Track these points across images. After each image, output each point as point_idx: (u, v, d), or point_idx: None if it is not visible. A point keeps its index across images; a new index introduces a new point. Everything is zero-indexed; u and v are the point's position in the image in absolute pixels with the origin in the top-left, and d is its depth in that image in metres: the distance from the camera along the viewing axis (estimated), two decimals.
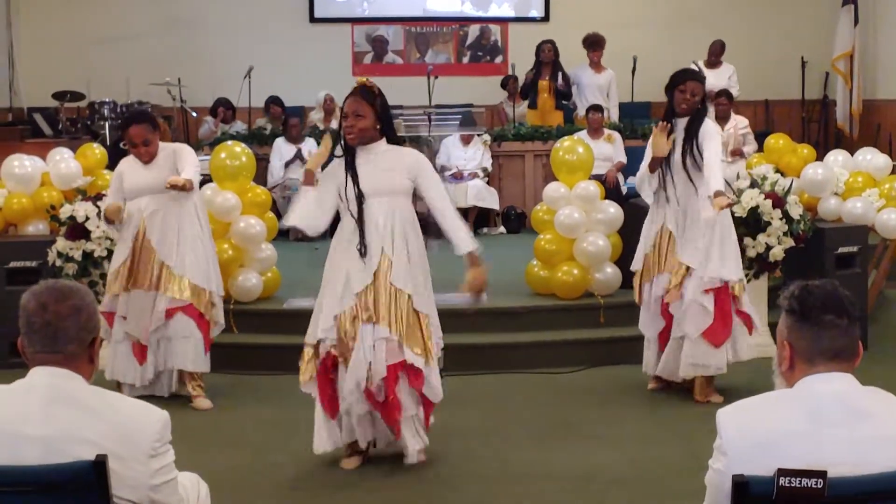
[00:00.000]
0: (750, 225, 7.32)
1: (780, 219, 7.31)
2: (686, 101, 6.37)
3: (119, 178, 6.64)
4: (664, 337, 6.55)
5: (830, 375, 2.61)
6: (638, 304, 6.69)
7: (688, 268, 6.35)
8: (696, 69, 12.13)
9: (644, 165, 6.50)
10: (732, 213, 6.99)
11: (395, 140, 5.49)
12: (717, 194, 6.12)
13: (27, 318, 2.77)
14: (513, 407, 6.55)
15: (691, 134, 6.37)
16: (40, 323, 2.76)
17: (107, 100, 12.77)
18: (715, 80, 12.39)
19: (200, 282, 6.57)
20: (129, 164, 6.65)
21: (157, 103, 13.21)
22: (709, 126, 6.51)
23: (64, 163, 8.09)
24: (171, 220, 6.53)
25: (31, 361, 2.79)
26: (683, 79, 6.44)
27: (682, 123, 6.43)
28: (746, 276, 7.44)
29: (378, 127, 5.33)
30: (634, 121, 12.28)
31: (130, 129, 6.49)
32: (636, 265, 6.67)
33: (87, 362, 2.83)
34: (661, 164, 6.37)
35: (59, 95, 12.86)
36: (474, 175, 11.66)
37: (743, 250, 7.31)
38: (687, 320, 6.37)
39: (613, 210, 7.92)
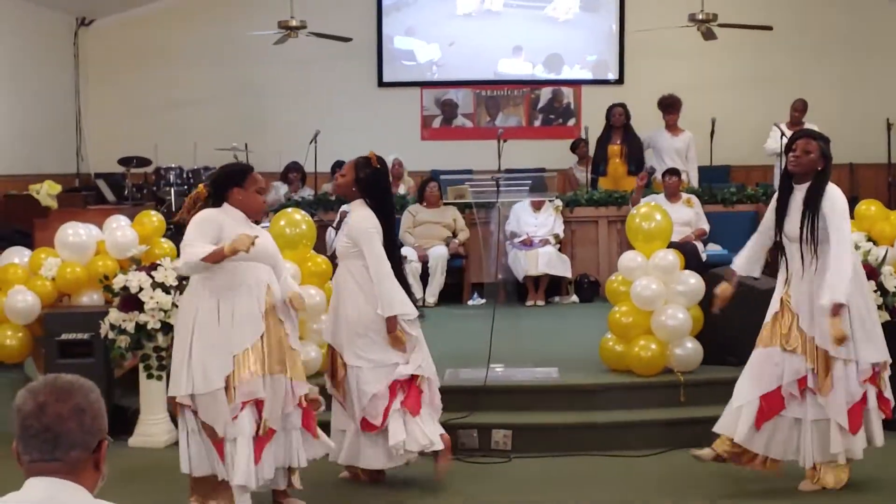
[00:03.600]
0: None
1: (875, 291, 6.81)
2: (795, 158, 5.74)
3: (218, 228, 5.43)
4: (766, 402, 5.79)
5: None
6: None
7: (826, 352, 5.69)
8: (780, 132, 11.72)
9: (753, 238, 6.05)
10: None
11: (372, 203, 6.06)
12: (836, 310, 5.54)
13: (22, 420, 2.40)
14: (589, 495, 6.05)
15: (810, 204, 5.71)
16: (38, 427, 2.39)
17: (173, 165, 12.65)
18: None
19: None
20: (229, 218, 5.51)
21: None
22: (835, 198, 5.74)
23: (120, 231, 7.84)
24: (279, 294, 5.64)
25: (28, 471, 2.41)
26: (794, 138, 5.91)
27: (800, 191, 5.78)
28: None
29: (355, 188, 6.08)
30: (713, 185, 11.81)
31: (255, 172, 5.66)
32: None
33: (91, 470, 2.45)
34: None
35: (125, 161, 12.76)
36: (545, 242, 11.24)
37: None
38: (837, 408, 5.70)
39: (694, 281, 7.43)
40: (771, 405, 5.76)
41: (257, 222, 5.81)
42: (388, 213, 6.16)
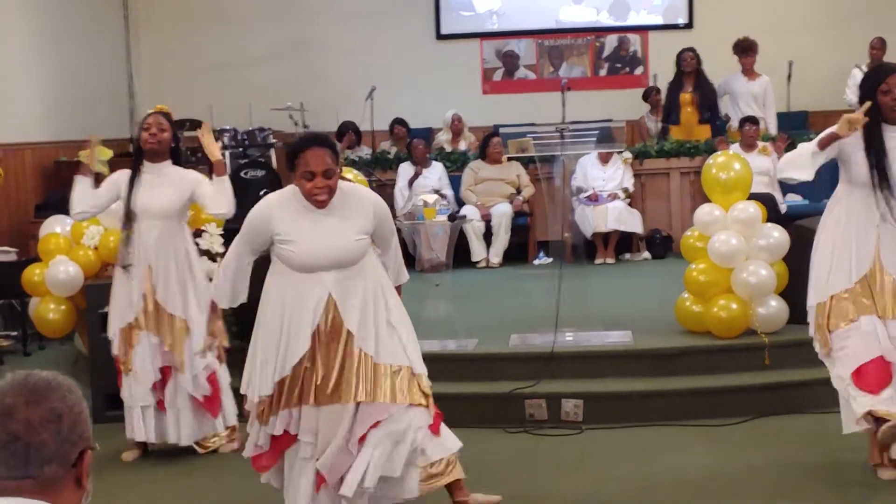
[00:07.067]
0: None
1: None
2: (894, 100, 4.97)
3: (261, 227, 4.47)
4: None
5: None
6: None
7: None
8: (861, 74, 11.03)
9: (811, 143, 5.11)
10: None
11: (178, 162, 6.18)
12: None
13: None
14: (667, 468, 5.58)
15: None
16: (4, 437, 1.97)
17: (227, 127, 12.27)
18: None
19: None
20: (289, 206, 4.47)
21: (279, 129, 12.68)
22: None
23: None
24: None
25: None
26: (884, 74, 5.04)
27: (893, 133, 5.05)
28: None
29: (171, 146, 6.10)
30: (791, 131, 11.18)
31: (307, 151, 4.33)
32: None
33: (72, 488, 2.02)
34: (832, 141, 4.99)
35: (178, 124, 12.33)
36: (614, 196, 10.73)
37: None
38: None
39: (777, 234, 6.87)
40: None
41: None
42: None
